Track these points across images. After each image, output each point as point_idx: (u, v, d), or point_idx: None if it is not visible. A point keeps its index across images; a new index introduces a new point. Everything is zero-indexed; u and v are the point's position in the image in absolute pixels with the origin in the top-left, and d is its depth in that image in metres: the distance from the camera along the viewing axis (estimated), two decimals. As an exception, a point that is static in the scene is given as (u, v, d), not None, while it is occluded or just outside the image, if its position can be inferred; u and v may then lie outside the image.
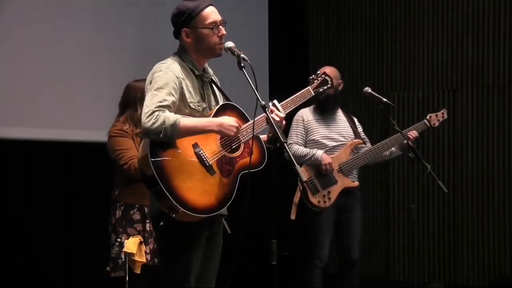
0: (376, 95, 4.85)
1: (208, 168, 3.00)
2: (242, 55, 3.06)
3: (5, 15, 4.76)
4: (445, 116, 4.92)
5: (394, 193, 6.79)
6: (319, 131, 4.78)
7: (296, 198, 4.67)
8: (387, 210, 6.81)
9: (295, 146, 4.73)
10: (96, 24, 5.25)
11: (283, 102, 3.27)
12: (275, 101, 3.22)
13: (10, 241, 4.86)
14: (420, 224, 6.54)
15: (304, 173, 4.61)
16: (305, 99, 3.44)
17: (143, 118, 2.92)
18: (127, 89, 4.22)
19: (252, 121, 3.10)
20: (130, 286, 4.04)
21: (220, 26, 3.12)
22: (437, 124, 4.89)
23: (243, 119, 3.19)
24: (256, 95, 3.00)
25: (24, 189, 4.98)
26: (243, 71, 3.06)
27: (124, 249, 4.00)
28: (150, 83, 3.04)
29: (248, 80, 3.01)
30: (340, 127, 4.85)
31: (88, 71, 5.17)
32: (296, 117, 4.84)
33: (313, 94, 3.48)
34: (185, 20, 3.10)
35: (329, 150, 4.74)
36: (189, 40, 3.12)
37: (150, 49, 5.30)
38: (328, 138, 4.77)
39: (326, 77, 3.52)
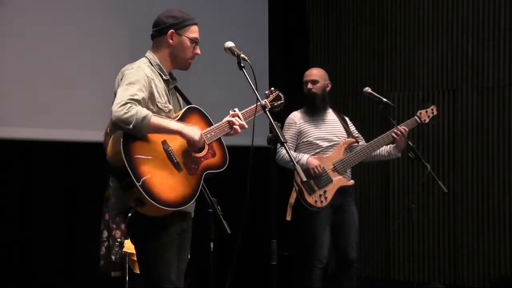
0: (376, 95, 4.85)
1: (176, 165, 3.09)
2: (242, 55, 3.11)
3: (4, 15, 4.76)
4: (435, 112, 4.90)
5: (394, 193, 6.79)
6: (312, 133, 4.78)
7: (292, 199, 4.67)
8: (387, 210, 6.82)
9: (284, 151, 4.71)
10: (96, 24, 5.25)
11: (242, 111, 3.38)
12: (236, 109, 3.35)
13: (10, 241, 4.86)
14: (420, 224, 6.54)
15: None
16: (261, 111, 3.52)
17: (115, 107, 2.99)
18: None
19: (252, 125, 3.18)
20: (130, 286, 4.05)
21: (197, 46, 3.27)
22: (427, 120, 4.88)
23: (207, 122, 3.31)
24: (256, 95, 3.03)
25: (24, 189, 4.98)
26: (243, 71, 3.09)
27: (124, 249, 4.01)
28: (121, 80, 3.14)
29: (248, 80, 3.03)
30: (332, 127, 4.86)
31: (88, 71, 5.16)
32: (288, 120, 4.85)
33: (269, 107, 3.59)
34: (177, 24, 3.23)
35: (323, 150, 4.75)
36: (171, 42, 3.23)
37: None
38: (321, 139, 4.78)
39: (279, 94, 3.66)
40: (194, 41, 3.25)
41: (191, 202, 3.16)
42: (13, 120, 4.79)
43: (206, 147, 3.23)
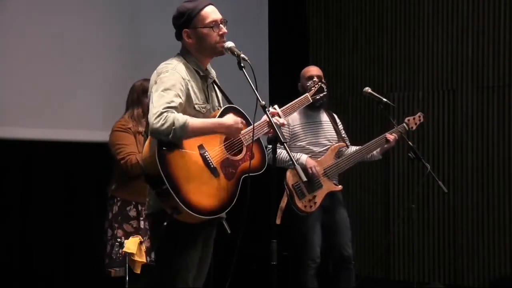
0: (376, 95, 4.85)
1: (213, 170, 3.02)
2: (242, 55, 3.07)
3: (4, 15, 4.76)
4: (422, 119, 4.96)
5: (394, 193, 6.79)
6: (306, 138, 4.75)
7: (283, 203, 4.66)
8: (387, 210, 6.81)
9: (278, 150, 4.70)
10: (96, 24, 5.25)
11: (283, 108, 3.34)
12: (276, 106, 3.28)
13: (10, 241, 4.86)
14: (420, 224, 6.54)
15: (290, 178, 4.62)
16: (303, 106, 3.52)
17: (152, 119, 2.90)
18: (131, 89, 4.31)
19: (252, 125, 3.12)
20: (130, 286, 4.05)
21: (220, 25, 3.13)
22: (414, 127, 4.94)
23: (246, 122, 3.19)
24: (256, 95, 3.00)
25: (24, 189, 4.97)
26: (243, 71, 3.06)
27: (124, 249, 4.00)
28: (156, 83, 3.02)
29: (248, 80, 3.02)
30: (325, 130, 4.83)
31: (88, 71, 5.16)
32: None
33: (311, 101, 3.57)
34: (185, 21, 3.10)
35: (315, 155, 4.73)
36: (191, 41, 3.12)
37: (151, 49, 5.30)
38: (314, 144, 4.75)
39: (322, 85, 3.59)
40: (211, 24, 3.09)
41: (229, 208, 3.08)
42: (13, 120, 4.79)
43: (244, 149, 3.15)
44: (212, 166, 3.01)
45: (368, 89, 4.88)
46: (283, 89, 6.42)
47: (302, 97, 3.53)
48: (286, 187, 4.61)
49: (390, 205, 6.80)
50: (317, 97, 3.62)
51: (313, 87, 3.61)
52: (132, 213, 4.15)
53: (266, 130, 3.16)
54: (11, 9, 4.79)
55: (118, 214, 4.16)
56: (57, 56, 5.00)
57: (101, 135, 4.34)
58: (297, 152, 4.71)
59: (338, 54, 7.20)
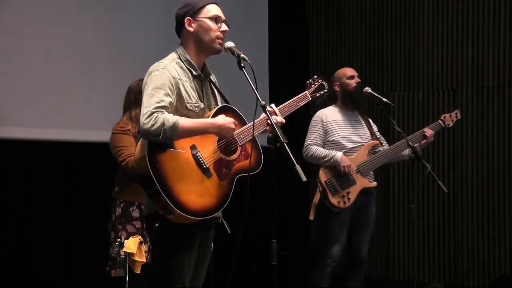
0: (376, 95, 4.85)
1: (205, 171, 3.00)
2: (242, 55, 3.06)
3: (5, 15, 4.76)
4: (459, 116, 4.99)
5: (394, 193, 6.79)
6: (339, 132, 4.75)
7: (316, 199, 4.67)
8: (387, 210, 6.82)
9: (314, 147, 4.72)
10: (96, 24, 5.24)
11: (280, 106, 3.31)
12: (273, 105, 3.25)
13: (10, 241, 4.86)
14: (420, 224, 6.54)
15: (323, 175, 4.63)
16: (302, 104, 3.49)
17: (142, 119, 2.90)
18: (127, 90, 4.29)
19: (252, 123, 3.10)
20: (130, 286, 4.05)
21: (223, 23, 3.15)
22: (451, 124, 4.96)
23: (241, 122, 3.19)
24: (256, 95, 3.00)
25: (24, 189, 4.97)
26: (243, 71, 3.06)
27: (124, 249, 4.00)
28: (147, 82, 3.03)
29: (248, 80, 3.01)
30: (359, 128, 4.84)
31: (88, 71, 5.16)
32: (315, 117, 4.82)
33: (310, 99, 3.55)
34: (189, 11, 3.13)
35: (348, 151, 4.73)
36: (191, 29, 3.12)
37: (151, 49, 5.29)
38: (347, 140, 4.75)
39: (323, 82, 3.57)
40: (214, 18, 3.11)
41: (222, 209, 3.07)
42: (13, 120, 4.79)
43: (239, 149, 3.13)
44: (204, 166, 3.00)
45: (368, 89, 4.88)
46: (283, 89, 6.42)
47: (301, 94, 3.50)
48: (318, 183, 4.63)
49: (390, 205, 6.80)
50: (317, 95, 3.59)
51: (313, 84, 3.58)
52: (135, 213, 4.14)
53: (262, 130, 3.14)
54: (13, 9, 4.79)
55: (121, 215, 4.15)
56: (58, 56, 4.99)
57: (102, 135, 4.33)
58: (330, 148, 4.71)
59: (338, 54, 7.20)
